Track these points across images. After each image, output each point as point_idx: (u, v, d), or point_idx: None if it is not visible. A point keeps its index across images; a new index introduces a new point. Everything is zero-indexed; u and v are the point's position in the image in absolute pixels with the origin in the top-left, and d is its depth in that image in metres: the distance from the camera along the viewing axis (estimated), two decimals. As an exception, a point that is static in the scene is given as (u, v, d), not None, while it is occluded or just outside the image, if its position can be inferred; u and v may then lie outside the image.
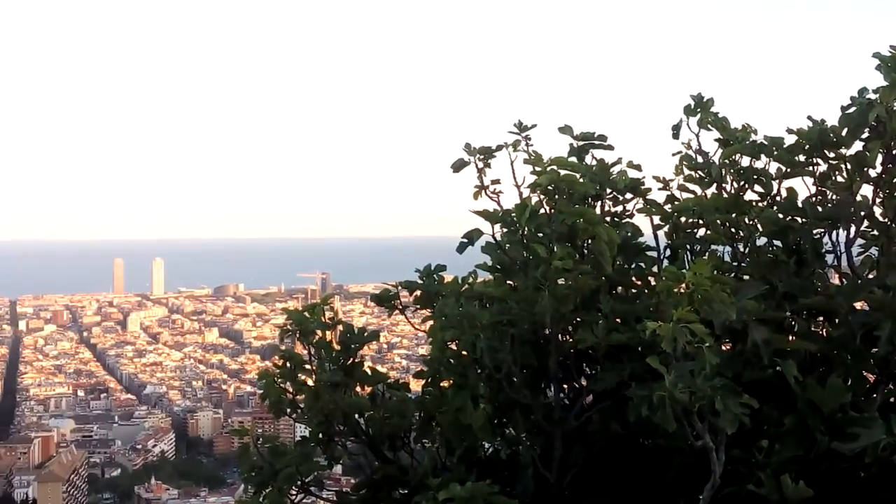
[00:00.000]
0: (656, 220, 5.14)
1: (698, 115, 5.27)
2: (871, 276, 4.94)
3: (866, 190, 4.93)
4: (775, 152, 5.09)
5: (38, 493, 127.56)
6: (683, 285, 3.89)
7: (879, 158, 4.76)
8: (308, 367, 5.32)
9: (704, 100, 5.26)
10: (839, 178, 4.99)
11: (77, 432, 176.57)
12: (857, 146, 4.84)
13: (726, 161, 5.16)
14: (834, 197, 5.06)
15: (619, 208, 5.25)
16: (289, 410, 5.34)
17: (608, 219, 5.10)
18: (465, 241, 4.94)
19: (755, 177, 5.14)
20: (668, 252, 5.14)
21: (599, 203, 5.18)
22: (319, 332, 5.35)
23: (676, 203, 5.16)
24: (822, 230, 5.00)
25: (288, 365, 5.33)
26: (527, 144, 4.95)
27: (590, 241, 4.65)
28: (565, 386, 4.97)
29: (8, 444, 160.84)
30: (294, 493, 5.27)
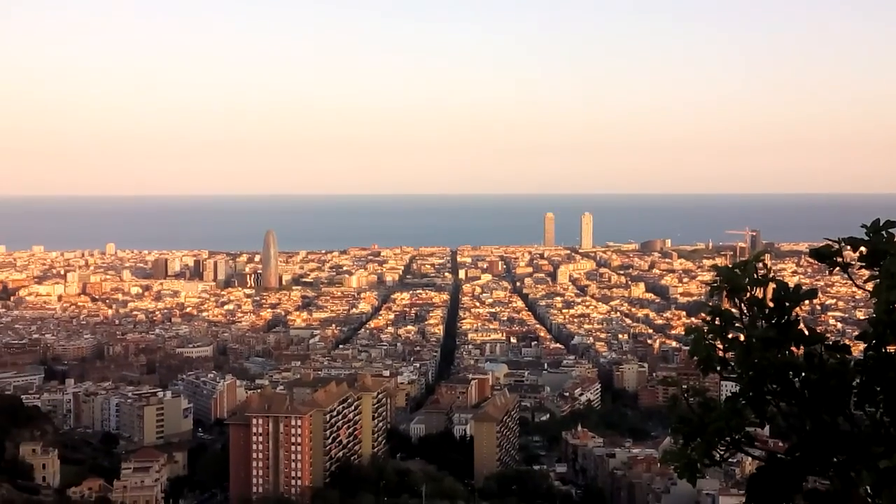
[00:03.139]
0: None
1: None
2: None
3: None
4: None
5: (474, 431, 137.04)
6: None
7: None
8: (738, 324, 5.20)
9: None
10: None
11: (509, 377, 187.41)
12: None
13: None
14: None
15: None
16: (717, 367, 5.26)
17: None
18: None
19: None
20: None
21: None
22: (751, 289, 5.20)
23: None
24: None
25: (717, 321, 5.23)
26: None
27: None
28: None
29: (449, 384, 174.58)
30: (723, 448, 5.20)
